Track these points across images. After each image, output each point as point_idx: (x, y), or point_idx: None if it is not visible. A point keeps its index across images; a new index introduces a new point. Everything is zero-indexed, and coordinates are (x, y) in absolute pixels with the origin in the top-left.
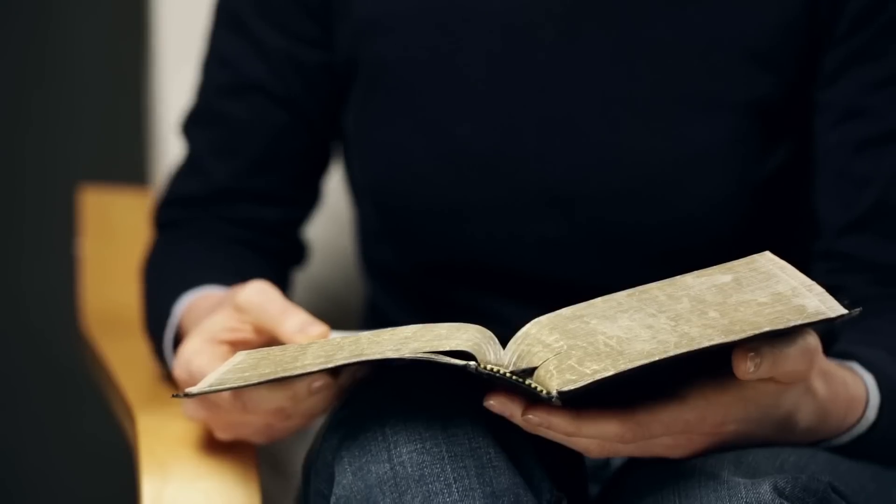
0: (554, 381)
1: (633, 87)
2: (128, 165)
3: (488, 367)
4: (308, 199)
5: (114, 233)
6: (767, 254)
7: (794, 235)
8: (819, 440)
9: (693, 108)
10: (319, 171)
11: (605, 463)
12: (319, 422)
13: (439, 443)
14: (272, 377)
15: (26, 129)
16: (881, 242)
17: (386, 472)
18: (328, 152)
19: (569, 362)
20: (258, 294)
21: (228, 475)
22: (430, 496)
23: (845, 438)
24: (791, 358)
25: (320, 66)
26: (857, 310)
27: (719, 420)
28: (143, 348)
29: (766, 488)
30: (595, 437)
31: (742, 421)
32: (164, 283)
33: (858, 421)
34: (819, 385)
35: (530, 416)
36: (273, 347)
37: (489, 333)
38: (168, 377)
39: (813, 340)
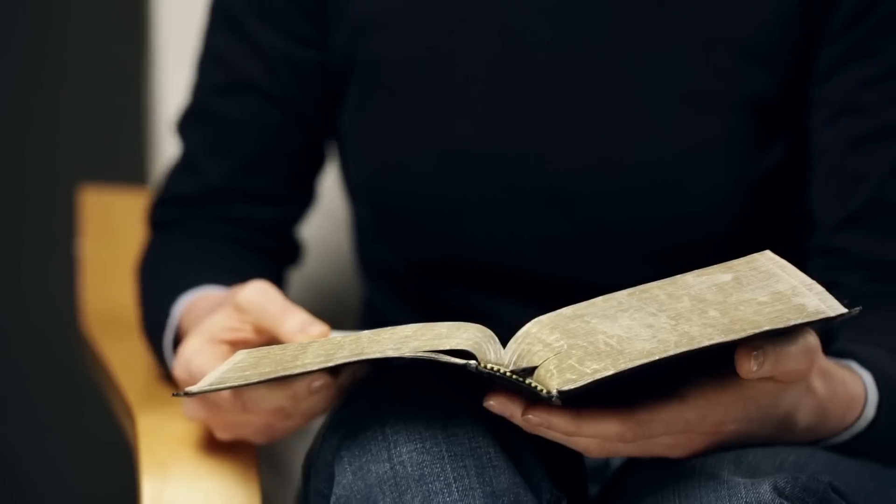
0: (554, 380)
1: (632, 85)
2: (128, 165)
3: (489, 366)
4: (303, 198)
5: (114, 233)
6: (768, 253)
7: (792, 233)
8: (818, 439)
9: (691, 105)
10: (314, 170)
11: (605, 463)
12: (319, 421)
13: (439, 442)
14: (272, 376)
15: (26, 129)
16: (876, 239)
17: (386, 472)
18: (323, 152)
19: (569, 362)
20: (258, 294)
21: (228, 475)
22: (430, 496)
23: (844, 437)
24: (792, 357)
25: (316, 66)
26: (857, 309)
27: (719, 419)
28: (143, 348)
29: (765, 488)
30: (595, 437)
31: (742, 420)
32: (161, 284)
33: (857, 419)
34: (818, 384)
35: (530, 417)
36: (273, 346)
37: (489, 332)
38: (167, 378)
39: (813, 340)
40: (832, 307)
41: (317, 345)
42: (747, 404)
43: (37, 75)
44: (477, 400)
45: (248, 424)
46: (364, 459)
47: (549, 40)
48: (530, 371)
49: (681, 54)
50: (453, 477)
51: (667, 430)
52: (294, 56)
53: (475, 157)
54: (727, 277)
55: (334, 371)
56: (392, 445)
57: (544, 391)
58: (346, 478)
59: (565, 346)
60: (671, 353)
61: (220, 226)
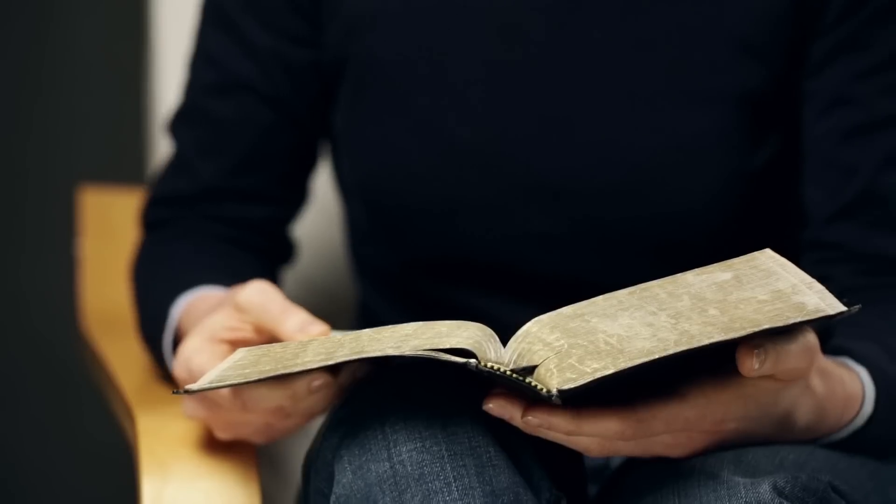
0: (554, 379)
1: (626, 81)
2: (128, 165)
3: (489, 365)
4: (295, 197)
5: (114, 233)
6: (768, 251)
7: (787, 228)
8: (817, 437)
9: (686, 100)
10: (307, 169)
11: (605, 463)
12: (319, 421)
13: (439, 441)
14: (272, 374)
15: (27, 129)
16: (868, 231)
17: (386, 471)
18: (316, 151)
19: (569, 361)
20: (259, 294)
21: (228, 475)
22: (429, 495)
23: (842, 434)
24: (793, 355)
25: (309, 65)
26: (857, 307)
27: (719, 418)
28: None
29: (765, 488)
30: (595, 435)
31: (742, 419)
32: (158, 285)
33: (855, 417)
34: (817, 383)
35: (530, 418)
36: (274, 344)
37: (490, 331)
38: (165, 379)
39: (813, 338)
40: (832, 305)
41: (317, 343)
42: (747, 403)
43: (37, 75)
44: (477, 399)
45: (248, 424)
46: (364, 459)
47: (542, 37)
48: (530, 370)
49: (675, 49)
50: (453, 476)
51: (667, 429)
52: (287, 55)
53: (470, 155)
54: (727, 276)
55: (334, 370)
56: (392, 445)
57: (544, 390)
58: (346, 477)
59: (565, 346)
60: (671, 351)
61: (213, 225)
